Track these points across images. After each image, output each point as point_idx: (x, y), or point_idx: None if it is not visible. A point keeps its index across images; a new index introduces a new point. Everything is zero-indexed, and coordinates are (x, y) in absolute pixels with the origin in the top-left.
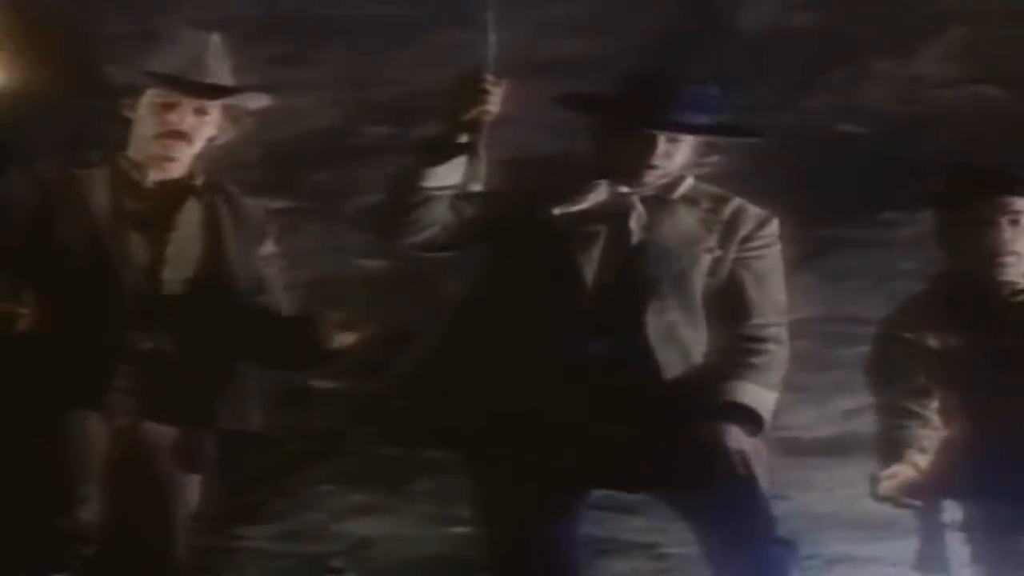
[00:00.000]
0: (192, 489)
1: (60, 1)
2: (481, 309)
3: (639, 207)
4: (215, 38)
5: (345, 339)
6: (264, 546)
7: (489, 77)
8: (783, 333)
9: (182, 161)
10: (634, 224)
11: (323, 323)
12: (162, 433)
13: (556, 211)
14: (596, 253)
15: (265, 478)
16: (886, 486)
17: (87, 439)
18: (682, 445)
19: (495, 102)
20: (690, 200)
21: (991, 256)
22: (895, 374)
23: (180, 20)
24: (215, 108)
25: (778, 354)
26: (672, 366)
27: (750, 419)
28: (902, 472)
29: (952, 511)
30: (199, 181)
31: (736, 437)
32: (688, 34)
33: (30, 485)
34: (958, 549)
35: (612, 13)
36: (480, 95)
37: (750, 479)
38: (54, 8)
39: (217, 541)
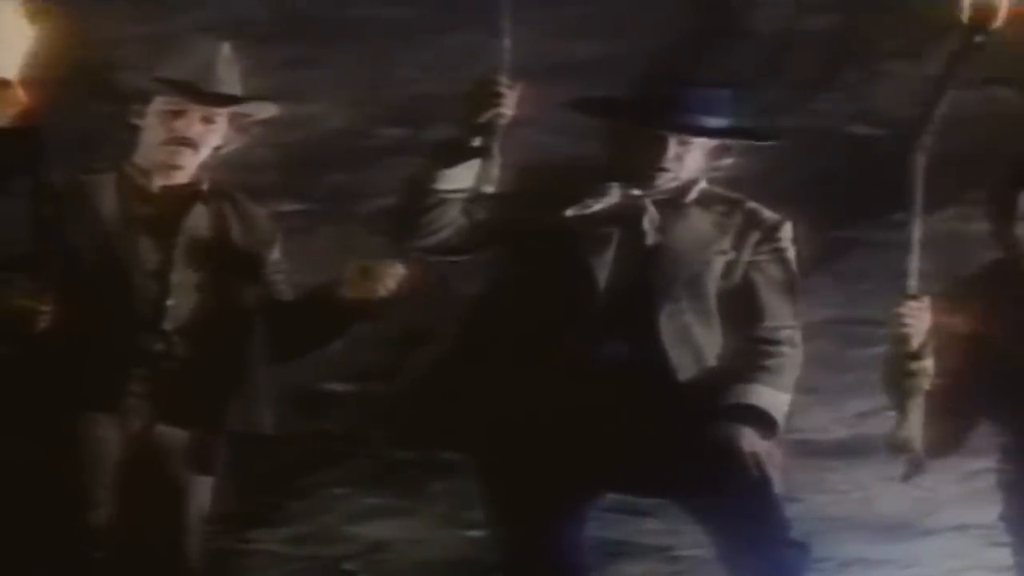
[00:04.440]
0: (205, 492)
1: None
2: (494, 311)
3: (651, 209)
4: (226, 46)
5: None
6: (277, 549)
7: (503, 80)
8: (797, 335)
9: (188, 168)
10: (647, 226)
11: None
12: (174, 436)
13: (569, 213)
14: (610, 255)
15: (278, 481)
16: None
17: (100, 443)
18: (696, 447)
19: (509, 105)
20: (703, 203)
21: None
22: None
23: (191, 24)
24: (222, 117)
25: (792, 356)
26: (686, 368)
27: (764, 421)
28: None
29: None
30: (205, 187)
31: (750, 439)
32: (702, 37)
33: (42, 488)
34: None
35: (626, 16)
36: (494, 98)
37: (764, 481)
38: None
39: (230, 544)
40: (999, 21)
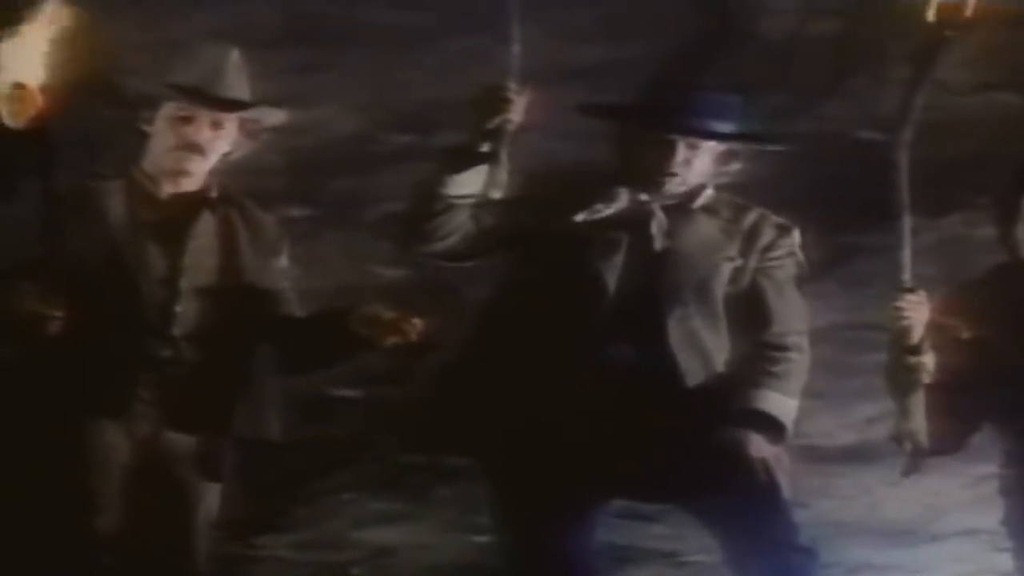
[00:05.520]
0: (212, 498)
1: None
2: (503, 317)
3: (659, 214)
4: (234, 52)
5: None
6: (284, 555)
7: (512, 86)
8: (804, 341)
9: (196, 175)
10: (655, 231)
11: (356, 318)
12: (182, 442)
13: (577, 219)
14: (619, 260)
15: (286, 486)
16: None
17: (107, 448)
18: (704, 452)
19: (518, 111)
20: (711, 209)
21: None
22: None
23: (200, 30)
24: (231, 122)
25: (799, 362)
26: (694, 373)
27: (772, 427)
28: None
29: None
30: (213, 194)
31: (758, 445)
32: (709, 42)
33: (50, 493)
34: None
35: (634, 21)
36: (503, 104)
37: (772, 487)
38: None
39: (237, 550)
40: (967, 15)
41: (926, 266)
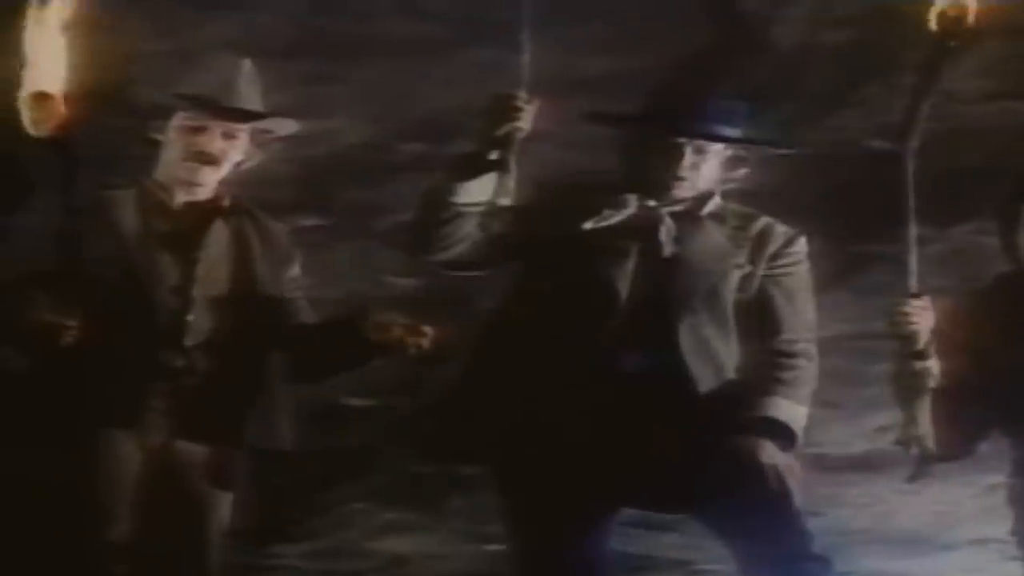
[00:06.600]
0: (225, 507)
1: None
2: (513, 325)
3: (668, 221)
4: (246, 62)
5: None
6: (298, 564)
7: (522, 95)
8: (813, 349)
9: (208, 184)
10: (664, 238)
11: (369, 324)
12: (195, 451)
13: (587, 226)
14: (629, 267)
15: (298, 496)
16: None
17: (120, 458)
18: (716, 460)
19: (527, 119)
20: (718, 217)
21: None
22: None
23: (212, 40)
24: (244, 132)
25: (808, 369)
26: (706, 380)
27: (783, 434)
28: None
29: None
30: (226, 203)
31: (770, 452)
32: (721, 51)
33: (63, 503)
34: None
35: (644, 31)
36: (512, 112)
37: (785, 494)
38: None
39: (250, 559)
40: (970, 24)
41: (936, 275)
